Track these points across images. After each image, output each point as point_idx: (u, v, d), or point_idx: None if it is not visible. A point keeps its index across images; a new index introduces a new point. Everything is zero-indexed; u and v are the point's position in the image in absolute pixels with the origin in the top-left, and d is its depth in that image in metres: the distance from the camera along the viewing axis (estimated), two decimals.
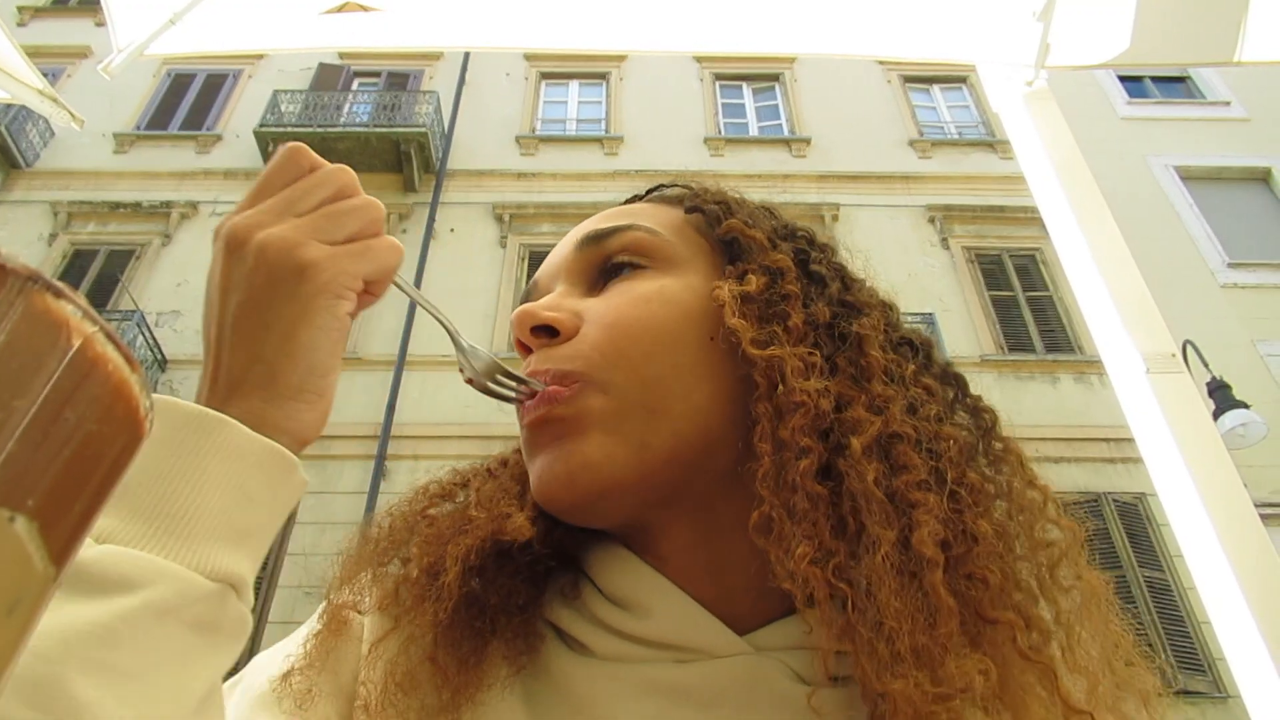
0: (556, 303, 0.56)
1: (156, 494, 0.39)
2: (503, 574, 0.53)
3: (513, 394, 0.56)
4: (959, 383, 0.56)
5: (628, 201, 0.67)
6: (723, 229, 0.59)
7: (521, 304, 0.59)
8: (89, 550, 0.37)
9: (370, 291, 0.49)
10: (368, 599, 0.55)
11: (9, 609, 0.16)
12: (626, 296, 0.55)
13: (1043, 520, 0.50)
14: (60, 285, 0.18)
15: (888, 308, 0.60)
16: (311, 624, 0.54)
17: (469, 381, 0.58)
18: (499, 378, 0.57)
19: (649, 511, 0.53)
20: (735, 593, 0.52)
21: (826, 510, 0.47)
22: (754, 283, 0.54)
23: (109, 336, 0.19)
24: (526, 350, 0.56)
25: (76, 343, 0.18)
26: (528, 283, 0.64)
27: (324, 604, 0.54)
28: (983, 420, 0.54)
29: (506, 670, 0.51)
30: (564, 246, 0.61)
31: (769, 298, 0.54)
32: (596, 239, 0.58)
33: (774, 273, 0.56)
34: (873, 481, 0.46)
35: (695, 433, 0.52)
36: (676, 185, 0.65)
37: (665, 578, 0.52)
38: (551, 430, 0.52)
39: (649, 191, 0.67)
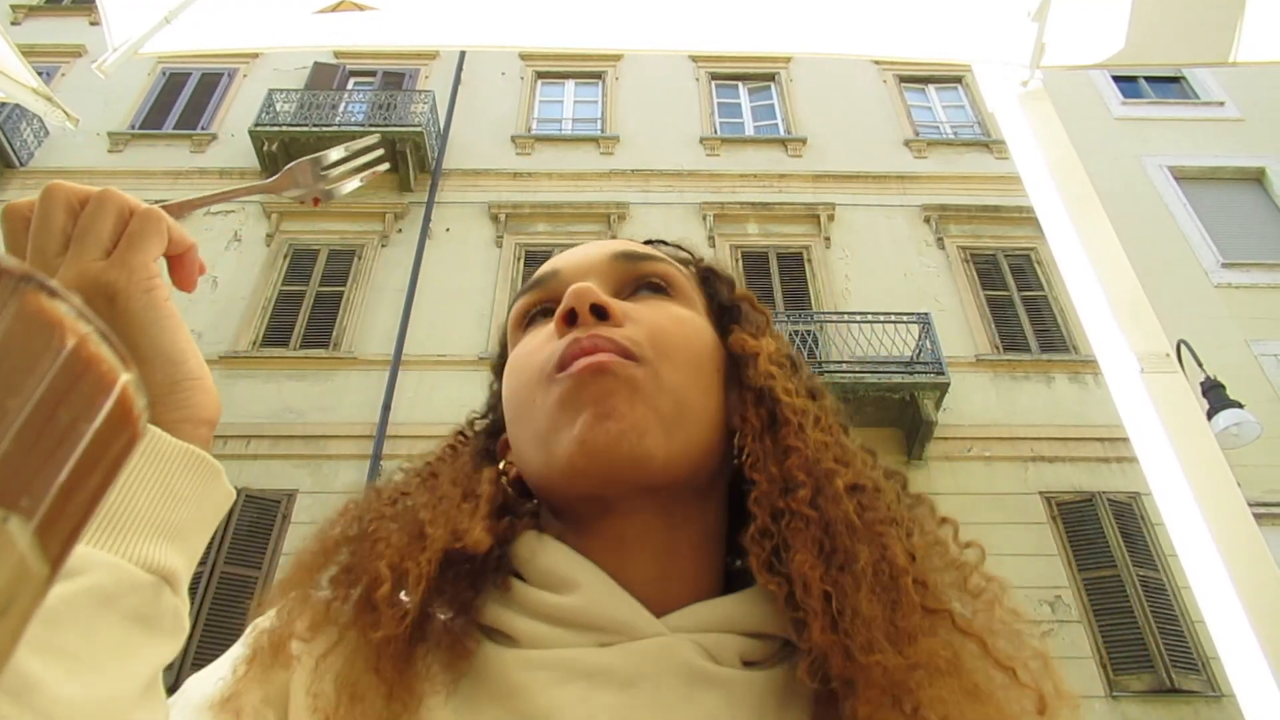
0: (595, 288, 0.59)
1: None
2: (448, 582, 0.56)
3: (355, 165, 0.67)
4: (873, 451, 0.65)
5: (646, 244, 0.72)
6: (738, 294, 0.68)
7: (533, 289, 0.65)
8: None
9: (174, 254, 0.52)
10: (302, 621, 0.55)
11: (2, 609, 0.16)
12: (666, 313, 0.61)
13: (954, 545, 0.61)
14: (54, 285, 0.18)
15: None
16: (240, 650, 0.54)
17: (315, 201, 0.65)
18: (324, 171, 0.65)
19: (639, 495, 0.57)
20: (670, 581, 0.57)
21: (815, 532, 0.55)
22: (770, 345, 0.64)
23: (103, 336, 0.18)
24: (567, 325, 0.58)
25: (71, 342, 0.18)
26: (531, 278, 0.67)
27: (252, 630, 0.55)
28: (898, 477, 0.63)
29: (446, 677, 0.53)
30: (595, 251, 0.65)
31: (779, 360, 0.63)
32: (634, 258, 0.64)
33: (779, 341, 0.66)
34: (853, 513, 0.55)
35: (701, 442, 0.58)
36: (683, 249, 0.73)
37: (590, 561, 0.56)
38: (606, 385, 0.55)
39: (657, 243, 0.73)
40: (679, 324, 0.61)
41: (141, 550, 0.42)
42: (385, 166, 0.72)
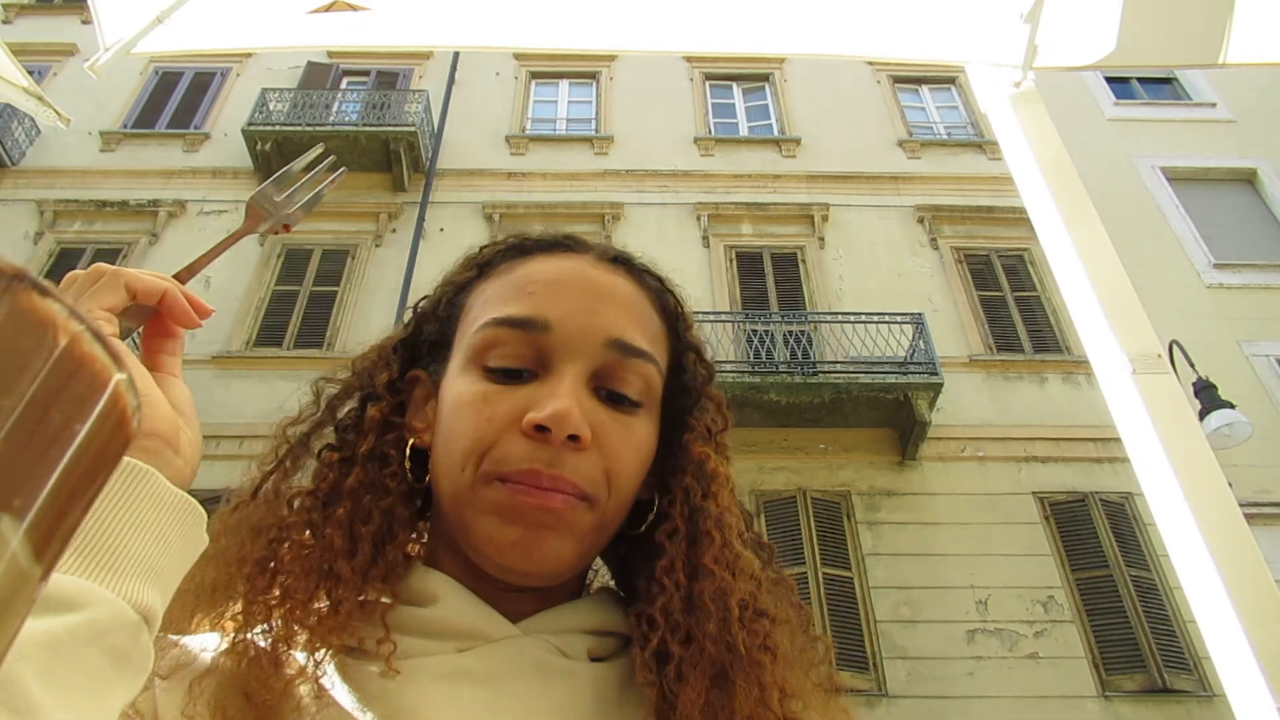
0: (580, 411, 0.60)
1: (89, 528, 0.43)
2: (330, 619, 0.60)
3: (312, 179, 0.68)
4: (762, 545, 0.70)
5: (644, 272, 0.71)
6: (711, 393, 0.70)
7: (517, 328, 0.62)
8: None
9: (151, 303, 0.55)
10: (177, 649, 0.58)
11: None
12: (630, 440, 0.63)
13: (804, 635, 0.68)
14: (46, 283, 0.17)
15: None
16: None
17: (286, 228, 0.67)
18: (284, 196, 0.67)
19: None
20: (533, 596, 0.62)
21: (706, 664, 0.60)
22: (724, 467, 0.67)
23: (96, 335, 0.18)
24: (535, 433, 0.59)
25: (63, 341, 0.18)
26: (519, 312, 0.64)
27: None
28: (766, 550, 0.69)
29: (313, 698, 0.57)
30: (590, 324, 0.63)
31: (724, 481, 0.67)
32: (627, 351, 0.63)
33: (720, 445, 0.69)
34: (741, 644, 0.61)
35: (610, 535, 0.64)
36: (679, 303, 0.72)
37: (453, 579, 0.61)
38: (545, 519, 0.58)
39: (656, 279, 0.72)
40: (637, 451, 0.63)
41: (133, 590, 0.43)
42: (342, 173, 0.72)
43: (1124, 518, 8.88)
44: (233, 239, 0.66)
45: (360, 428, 0.66)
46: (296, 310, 10.54)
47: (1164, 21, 1.44)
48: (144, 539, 0.45)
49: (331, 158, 0.71)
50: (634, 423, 0.63)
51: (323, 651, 0.58)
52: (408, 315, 0.73)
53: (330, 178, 0.72)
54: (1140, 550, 8.64)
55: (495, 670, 0.57)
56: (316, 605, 0.59)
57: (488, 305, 0.65)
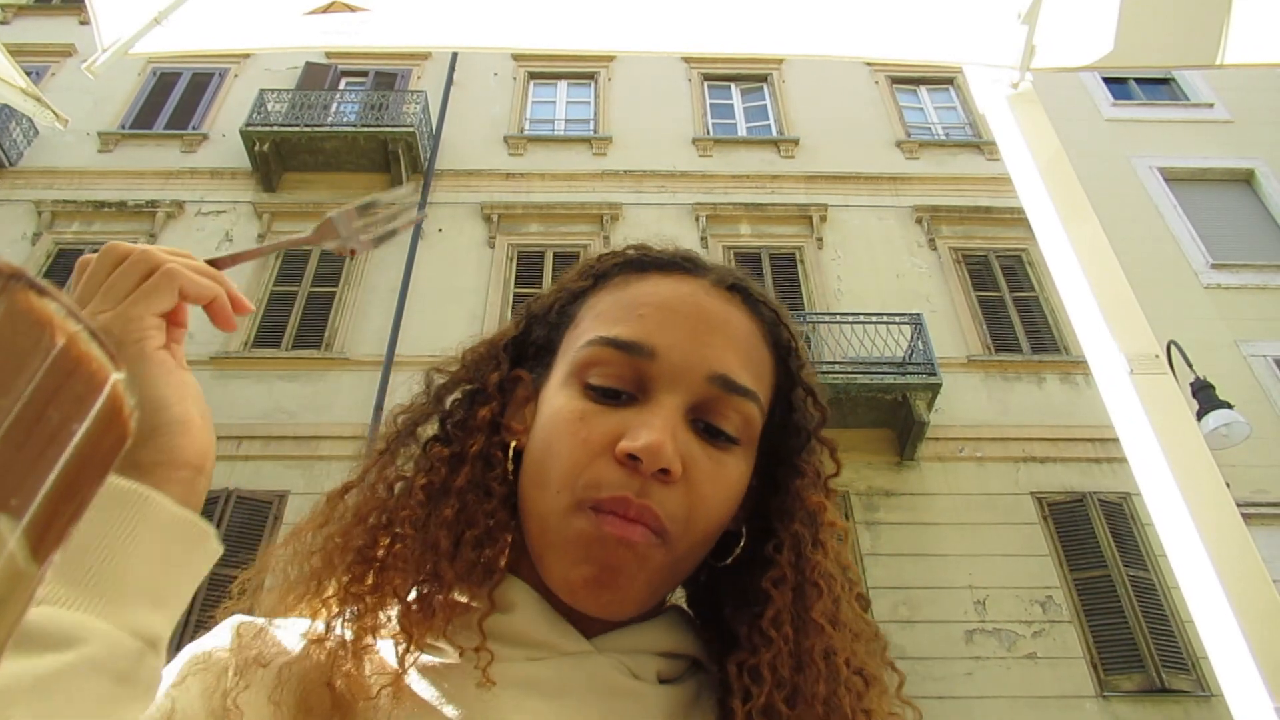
0: (673, 444, 0.59)
1: (89, 561, 0.44)
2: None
3: (392, 214, 0.70)
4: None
5: (760, 302, 0.69)
6: (824, 440, 0.68)
7: (624, 350, 0.62)
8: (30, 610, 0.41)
9: (201, 304, 0.56)
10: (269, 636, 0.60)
11: None
12: (719, 482, 0.61)
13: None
14: (43, 283, 0.18)
15: None
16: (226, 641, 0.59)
17: (351, 252, 0.68)
18: (361, 224, 0.67)
19: None
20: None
21: (790, 646, 0.60)
22: (836, 515, 0.66)
23: (93, 335, 0.18)
24: (628, 461, 0.58)
25: (60, 341, 0.18)
26: (628, 336, 0.63)
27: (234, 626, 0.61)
28: (861, 602, 0.68)
29: (388, 692, 0.57)
30: (696, 354, 0.62)
31: (835, 529, 0.66)
32: (730, 388, 0.62)
33: (831, 492, 0.68)
34: (847, 706, 0.60)
35: (687, 574, 0.65)
36: (793, 338, 0.70)
37: (531, 589, 0.61)
38: (621, 557, 0.58)
39: (772, 311, 0.70)
40: (726, 490, 0.62)
41: (135, 619, 0.44)
42: (423, 216, 0.72)
43: (1122, 518, 8.89)
44: (289, 244, 0.68)
45: (469, 425, 0.66)
46: (295, 311, 10.53)
47: (1161, 22, 1.44)
48: (146, 565, 0.46)
49: (415, 197, 0.71)
50: (727, 460, 0.62)
51: (405, 647, 0.58)
52: (520, 313, 0.73)
53: (410, 218, 0.72)
54: (1138, 550, 8.65)
55: (564, 684, 0.58)
56: (410, 601, 0.60)
57: (597, 321, 0.65)
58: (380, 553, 0.61)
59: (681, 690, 0.62)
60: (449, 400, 0.69)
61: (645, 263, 0.69)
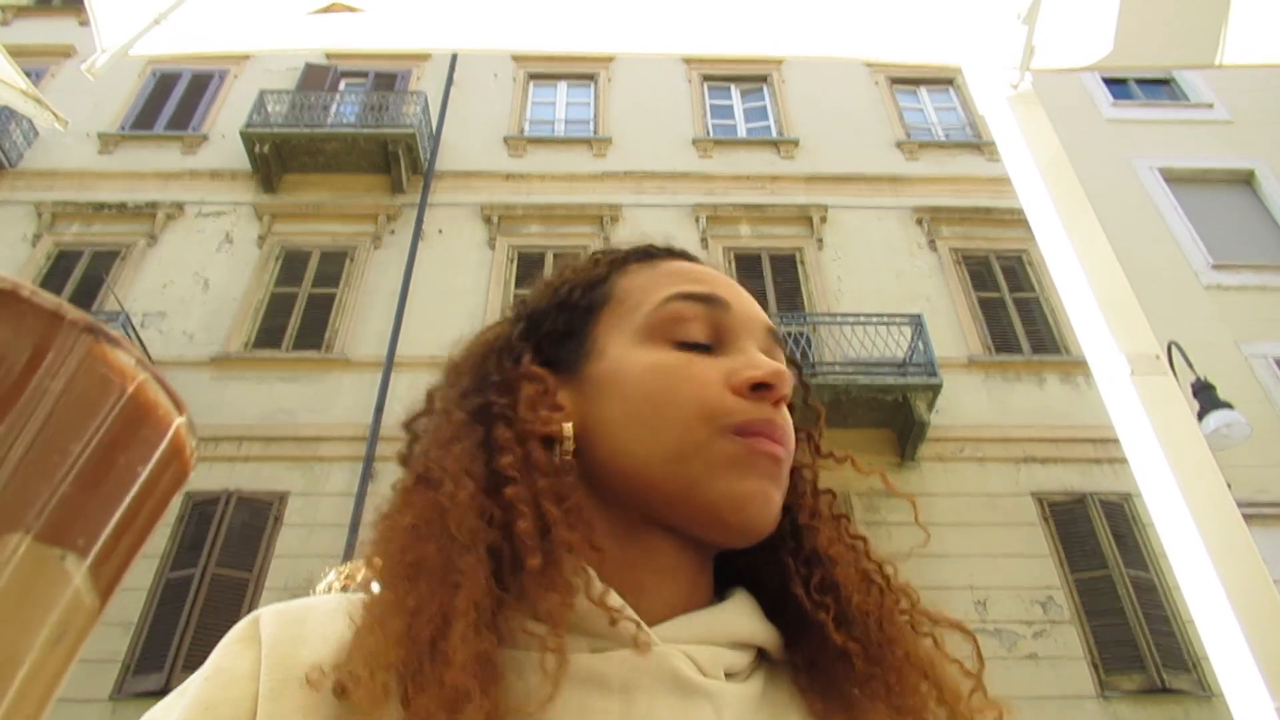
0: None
1: None
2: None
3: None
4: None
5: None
6: (814, 406, 0.73)
7: (706, 303, 0.65)
8: None
9: None
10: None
11: (56, 639, 0.17)
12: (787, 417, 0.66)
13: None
14: (115, 334, 0.18)
15: None
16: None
17: None
18: None
19: (716, 545, 0.64)
20: (675, 601, 0.61)
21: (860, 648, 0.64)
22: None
23: (159, 382, 0.20)
24: (757, 391, 0.62)
25: (130, 389, 0.19)
26: (703, 289, 0.66)
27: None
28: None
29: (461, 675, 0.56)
30: (755, 309, 0.68)
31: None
32: (777, 341, 0.68)
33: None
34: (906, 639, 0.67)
35: None
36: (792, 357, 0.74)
37: (594, 573, 0.57)
38: (774, 473, 0.61)
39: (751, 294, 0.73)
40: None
41: None
42: None
43: (1123, 518, 8.89)
44: None
45: (518, 425, 0.62)
46: (295, 312, 10.53)
47: (1161, 22, 1.44)
48: None
49: None
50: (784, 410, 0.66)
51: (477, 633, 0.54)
52: (514, 312, 0.72)
53: None
54: (1139, 551, 8.65)
55: (628, 680, 0.55)
56: (490, 586, 0.55)
57: (655, 286, 0.66)
58: (480, 541, 0.56)
59: (750, 687, 0.60)
60: (472, 403, 0.65)
61: (655, 252, 0.71)
